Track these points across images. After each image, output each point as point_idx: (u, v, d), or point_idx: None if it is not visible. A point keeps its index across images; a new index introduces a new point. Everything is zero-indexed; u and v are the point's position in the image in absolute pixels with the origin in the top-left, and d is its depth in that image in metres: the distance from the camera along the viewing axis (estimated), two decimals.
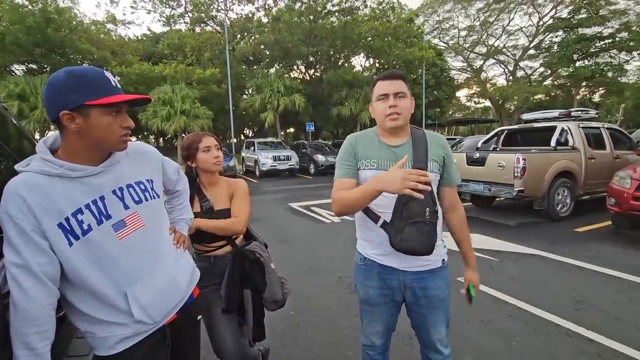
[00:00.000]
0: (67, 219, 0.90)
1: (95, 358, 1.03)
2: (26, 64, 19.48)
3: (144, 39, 28.04)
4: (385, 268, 1.40)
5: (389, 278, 1.40)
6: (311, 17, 21.06)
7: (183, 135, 19.30)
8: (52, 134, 1.01)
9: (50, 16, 16.83)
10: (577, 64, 23.07)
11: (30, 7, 16.73)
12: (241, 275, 1.62)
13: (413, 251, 1.29)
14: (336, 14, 22.14)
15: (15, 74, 18.91)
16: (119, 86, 0.96)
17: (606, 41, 21.99)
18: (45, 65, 19.01)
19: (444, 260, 1.43)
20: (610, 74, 22.68)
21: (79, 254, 0.91)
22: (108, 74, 0.94)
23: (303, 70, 26.08)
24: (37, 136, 15.49)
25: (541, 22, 24.82)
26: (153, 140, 30.47)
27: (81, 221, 0.91)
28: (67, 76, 0.89)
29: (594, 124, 6.23)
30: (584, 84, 24.88)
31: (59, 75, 0.89)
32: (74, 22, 18.42)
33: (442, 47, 28.80)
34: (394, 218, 1.30)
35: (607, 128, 6.35)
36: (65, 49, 18.20)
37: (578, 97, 26.39)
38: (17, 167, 0.92)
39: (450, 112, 35.26)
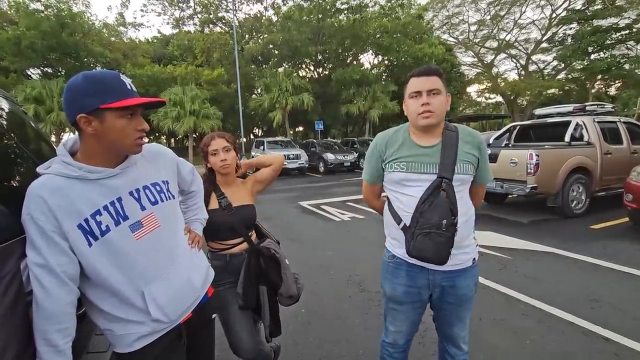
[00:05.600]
0: (86, 220, 0.92)
1: (114, 355, 1.06)
2: (41, 67, 19.97)
3: (154, 41, 28.39)
4: (415, 267, 1.39)
5: (418, 277, 1.39)
6: (320, 16, 21.03)
7: (194, 135, 19.54)
8: (72, 137, 1.04)
9: (65, 21, 17.20)
10: (592, 56, 22.41)
11: (45, 12, 17.12)
12: (257, 272, 1.65)
13: (424, 260, 1.30)
14: (345, 12, 22.05)
15: (31, 77, 19.42)
16: (134, 89, 0.98)
17: (623, 32, 21.28)
18: (60, 69, 19.45)
19: (474, 259, 1.40)
20: (627, 66, 21.99)
21: (98, 254, 0.94)
22: (124, 78, 0.96)
23: (311, 68, 26.06)
24: (52, 139, 15.88)
25: (554, 15, 24.22)
26: (165, 141, 30.89)
27: (100, 222, 0.94)
28: (85, 80, 0.91)
29: (610, 118, 6.08)
30: (599, 77, 24.14)
31: (77, 79, 0.92)
32: (87, 26, 18.79)
33: (452, 43, 28.37)
34: (412, 224, 1.29)
35: (624, 122, 6.18)
36: (79, 52, 18.58)
37: (593, 90, 25.66)
38: (38, 169, 0.95)
39: (461, 109, 34.74)
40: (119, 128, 0.93)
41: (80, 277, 0.95)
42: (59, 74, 19.23)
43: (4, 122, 1.26)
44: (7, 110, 1.34)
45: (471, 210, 1.39)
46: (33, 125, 1.61)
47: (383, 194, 1.54)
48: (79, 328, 0.95)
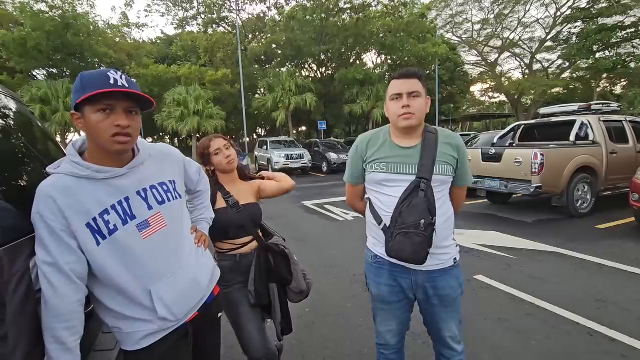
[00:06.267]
0: (94, 219, 0.93)
1: (122, 353, 1.07)
2: (47, 68, 20.12)
3: (158, 41, 28.50)
4: (397, 267, 1.40)
5: (401, 277, 1.41)
6: (323, 15, 21.01)
7: (198, 135, 19.60)
8: (81, 137, 1.05)
9: (69, 22, 17.33)
10: (598, 55, 22.19)
11: (50, 13, 17.26)
12: (267, 269, 1.66)
13: (402, 260, 1.31)
14: (348, 11, 22.02)
15: (36, 78, 19.58)
16: (122, 84, 0.91)
17: (628, 31, 21.03)
18: (65, 70, 19.59)
19: (455, 259, 1.41)
20: (633, 65, 21.79)
21: (106, 253, 0.95)
22: (112, 73, 0.92)
23: (315, 68, 26.06)
24: (57, 139, 16.01)
25: (559, 13, 24.02)
26: (168, 140, 31.02)
27: (108, 221, 0.95)
28: (79, 78, 0.93)
29: (615, 117, 6.03)
30: (604, 75, 23.97)
31: (77, 79, 0.94)
32: (91, 27, 18.91)
33: (456, 42, 28.24)
34: (391, 224, 1.31)
35: (630, 121, 6.13)
36: (84, 53, 18.72)
37: (598, 89, 25.45)
38: (48, 169, 0.97)
39: (465, 108, 34.65)
40: (94, 123, 0.91)
41: (89, 276, 0.96)
42: (64, 74, 19.38)
43: (12, 123, 1.28)
44: (14, 110, 1.36)
45: (450, 210, 1.41)
46: (40, 125, 1.63)
47: (366, 196, 1.55)
48: (86, 326, 0.96)
